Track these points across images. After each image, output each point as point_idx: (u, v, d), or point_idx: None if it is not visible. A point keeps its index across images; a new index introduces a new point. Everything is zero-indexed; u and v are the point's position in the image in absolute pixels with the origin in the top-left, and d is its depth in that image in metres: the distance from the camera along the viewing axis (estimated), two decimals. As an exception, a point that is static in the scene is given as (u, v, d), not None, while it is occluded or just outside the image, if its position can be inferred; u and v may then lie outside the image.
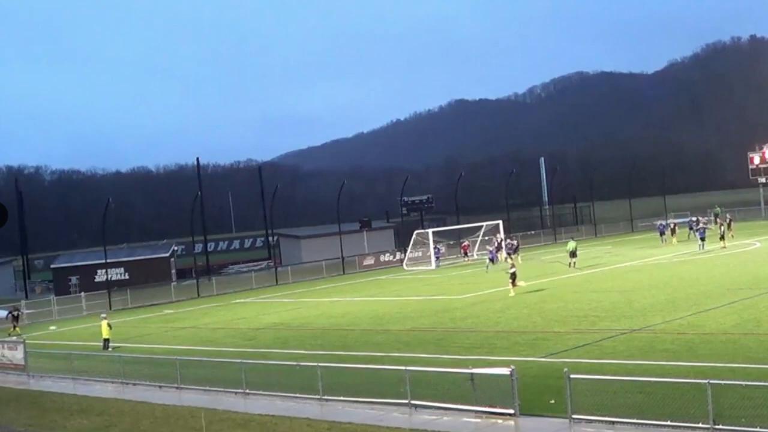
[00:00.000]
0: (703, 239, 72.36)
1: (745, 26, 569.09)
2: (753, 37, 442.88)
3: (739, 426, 20.04)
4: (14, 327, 57.38)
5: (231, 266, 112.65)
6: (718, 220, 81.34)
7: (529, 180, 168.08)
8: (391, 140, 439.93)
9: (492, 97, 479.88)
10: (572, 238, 75.93)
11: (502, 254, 79.59)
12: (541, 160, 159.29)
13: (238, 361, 31.99)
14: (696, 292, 45.78)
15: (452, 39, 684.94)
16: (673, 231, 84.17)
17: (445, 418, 24.10)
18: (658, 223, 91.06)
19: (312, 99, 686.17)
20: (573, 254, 66.35)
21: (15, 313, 59.05)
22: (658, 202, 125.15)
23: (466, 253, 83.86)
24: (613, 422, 21.56)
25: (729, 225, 79.68)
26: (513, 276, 52.18)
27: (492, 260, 70.76)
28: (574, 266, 64.99)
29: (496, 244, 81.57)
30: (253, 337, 45.77)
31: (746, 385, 21.94)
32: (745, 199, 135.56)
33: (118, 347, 45.19)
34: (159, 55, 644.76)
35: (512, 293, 51.36)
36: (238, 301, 69.47)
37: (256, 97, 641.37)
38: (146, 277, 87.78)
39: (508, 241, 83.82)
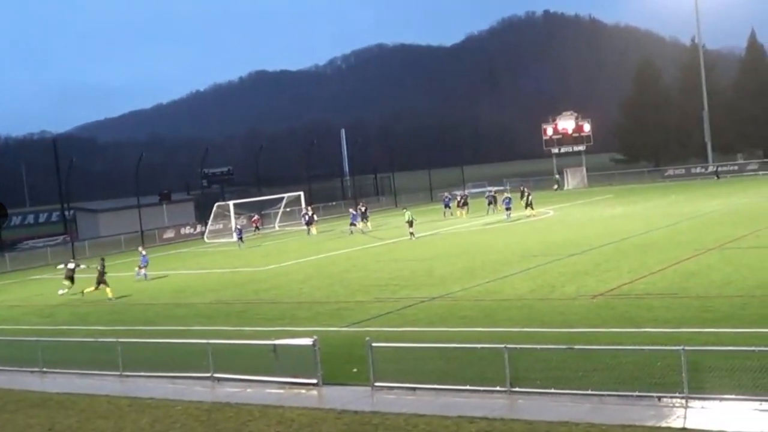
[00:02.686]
0: (509, 209, 73.44)
1: (539, 1, 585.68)
2: (546, 12, 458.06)
3: (535, 388, 20.72)
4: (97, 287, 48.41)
5: (25, 242, 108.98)
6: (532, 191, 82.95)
7: (330, 151, 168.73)
8: (191, 111, 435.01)
9: (293, 68, 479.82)
10: (405, 208, 74.05)
11: (315, 227, 78.79)
12: (342, 131, 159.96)
13: (34, 339, 31.02)
14: (493, 259, 47.00)
15: (252, 9, 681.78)
16: (461, 203, 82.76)
17: (248, 390, 24.02)
18: (444, 195, 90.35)
19: (108, 69, 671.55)
20: (411, 224, 64.60)
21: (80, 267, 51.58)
22: (456, 173, 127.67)
23: (257, 228, 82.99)
24: (414, 388, 21.93)
25: (496, 199, 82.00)
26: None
27: (240, 238, 63.07)
28: (413, 236, 63.79)
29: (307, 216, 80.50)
30: (50, 314, 44.42)
31: (541, 348, 22.72)
32: (540, 169, 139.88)
33: None
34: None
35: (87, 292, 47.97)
36: (34, 277, 67.34)
37: (50, 66, 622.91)
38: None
39: (305, 211, 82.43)
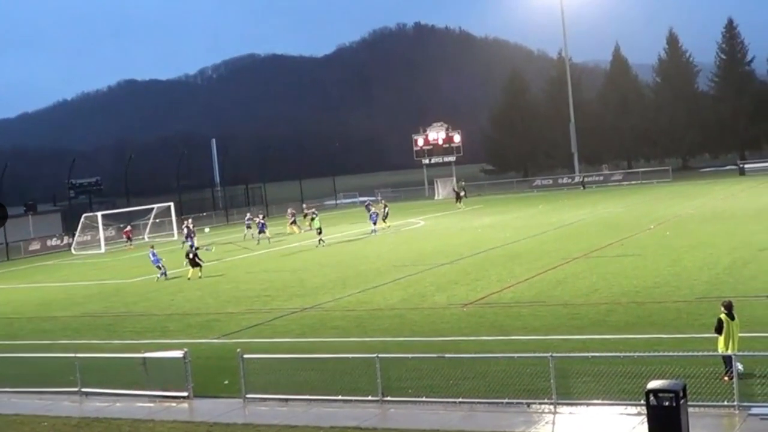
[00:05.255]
0: (375, 223, 72.13)
1: (410, 13, 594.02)
2: (417, 24, 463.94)
3: (407, 397, 20.89)
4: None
5: None
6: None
7: (201, 161, 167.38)
8: (58, 121, 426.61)
9: (163, 77, 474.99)
10: (316, 215, 71.63)
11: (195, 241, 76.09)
12: (213, 141, 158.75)
13: None
14: (365, 269, 47.17)
15: (122, 17, 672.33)
16: (293, 221, 78.38)
17: (117, 404, 23.63)
18: (288, 211, 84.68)
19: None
20: (319, 231, 63.51)
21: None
22: (328, 183, 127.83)
23: (129, 239, 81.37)
24: (286, 400, 21.91)
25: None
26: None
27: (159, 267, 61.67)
28: (323, 243, 62.49)
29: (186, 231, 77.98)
30: None
31: (412, 357, 22.90)
32: (411, 180, 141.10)
33: None
34: None
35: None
36: None
37: None
38: None
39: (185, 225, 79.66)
